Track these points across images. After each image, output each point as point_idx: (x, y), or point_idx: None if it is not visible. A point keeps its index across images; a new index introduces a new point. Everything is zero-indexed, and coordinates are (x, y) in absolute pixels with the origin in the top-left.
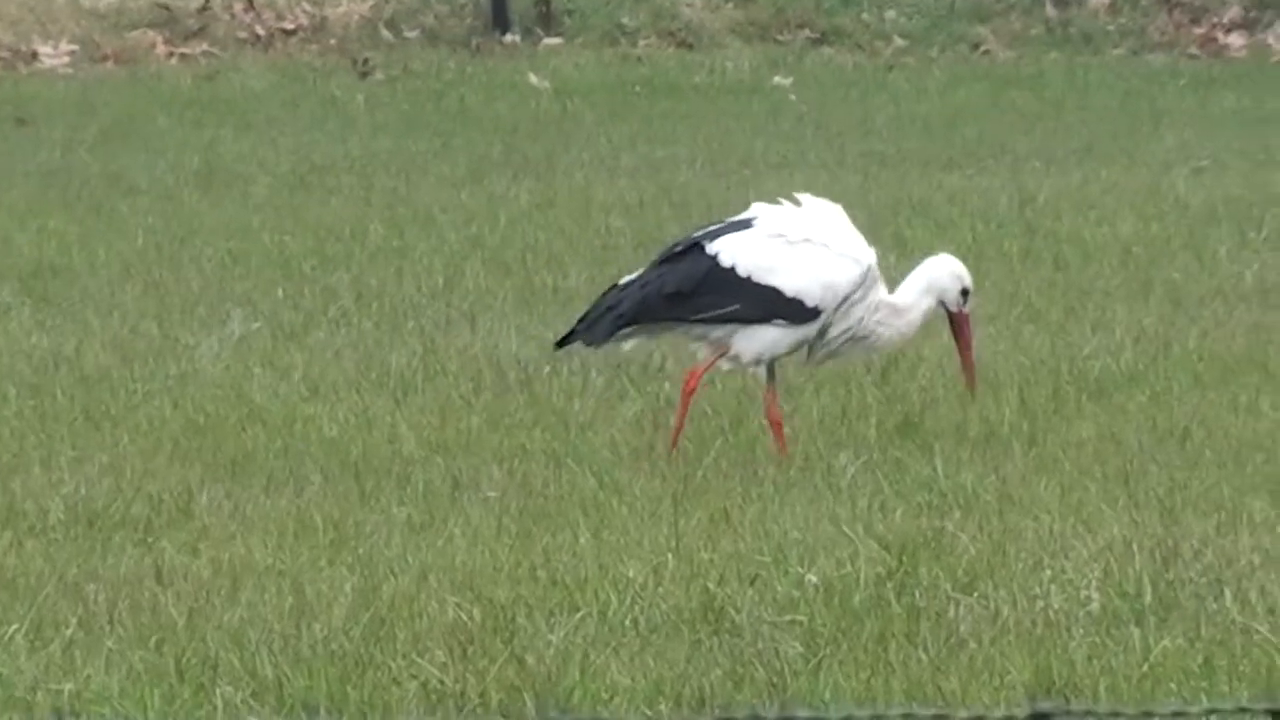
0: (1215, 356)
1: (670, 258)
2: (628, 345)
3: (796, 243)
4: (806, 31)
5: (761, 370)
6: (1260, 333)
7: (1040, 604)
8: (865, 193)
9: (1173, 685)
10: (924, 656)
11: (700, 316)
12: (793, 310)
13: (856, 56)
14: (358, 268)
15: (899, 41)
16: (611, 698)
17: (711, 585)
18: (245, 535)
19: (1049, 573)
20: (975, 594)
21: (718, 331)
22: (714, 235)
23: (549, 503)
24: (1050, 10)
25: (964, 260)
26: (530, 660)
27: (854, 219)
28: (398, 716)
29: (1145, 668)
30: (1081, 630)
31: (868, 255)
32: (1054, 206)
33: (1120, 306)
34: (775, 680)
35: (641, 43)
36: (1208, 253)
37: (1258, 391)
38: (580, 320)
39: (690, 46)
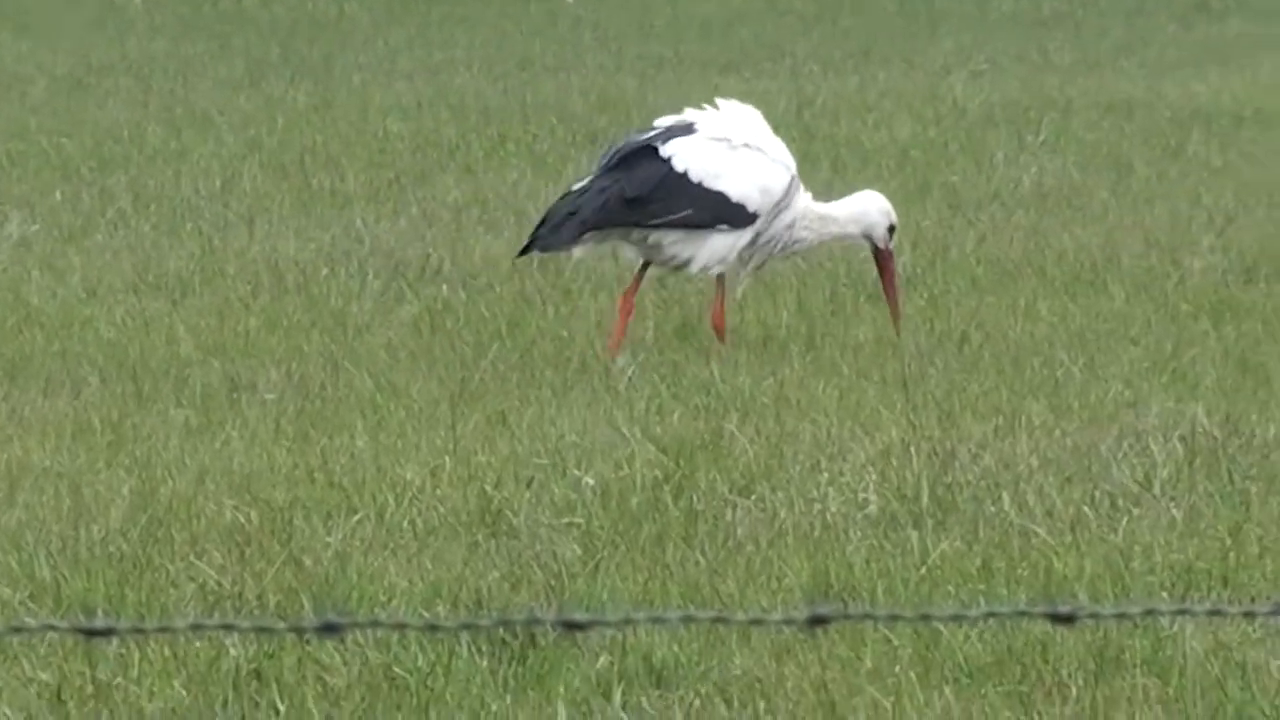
0: (993, 260)
1: (623, 162)
2: (577, 251)
3: (738, 148)
4: None
5: (714, 278)
6: (1037, 237)
7: (818, 507)
8: (643, 95)
9: (950, 588)
10: (701, 559)
11: (656, 221)
12: (735, 214)
13: None
14: (135, 170)
15: None
16: (389, 599)
17: (489, 488)
18: (23, 437)
19: (826, 475)
20: (753, 497)
21: (671, 238)
22: (664, 138)
23: (326, 405)
24: None
25: None
26: (308, 562)
27: (629, 122)
28: (175, 617)
29: (923, 571)
30: (859, 533)
31: (792, 161)
32: (832, 110)
33: (898, 210)
34: (553, 583)
35: None
36: (985, 157)
37: (1035, 295)
38: (537, 228)
39: None
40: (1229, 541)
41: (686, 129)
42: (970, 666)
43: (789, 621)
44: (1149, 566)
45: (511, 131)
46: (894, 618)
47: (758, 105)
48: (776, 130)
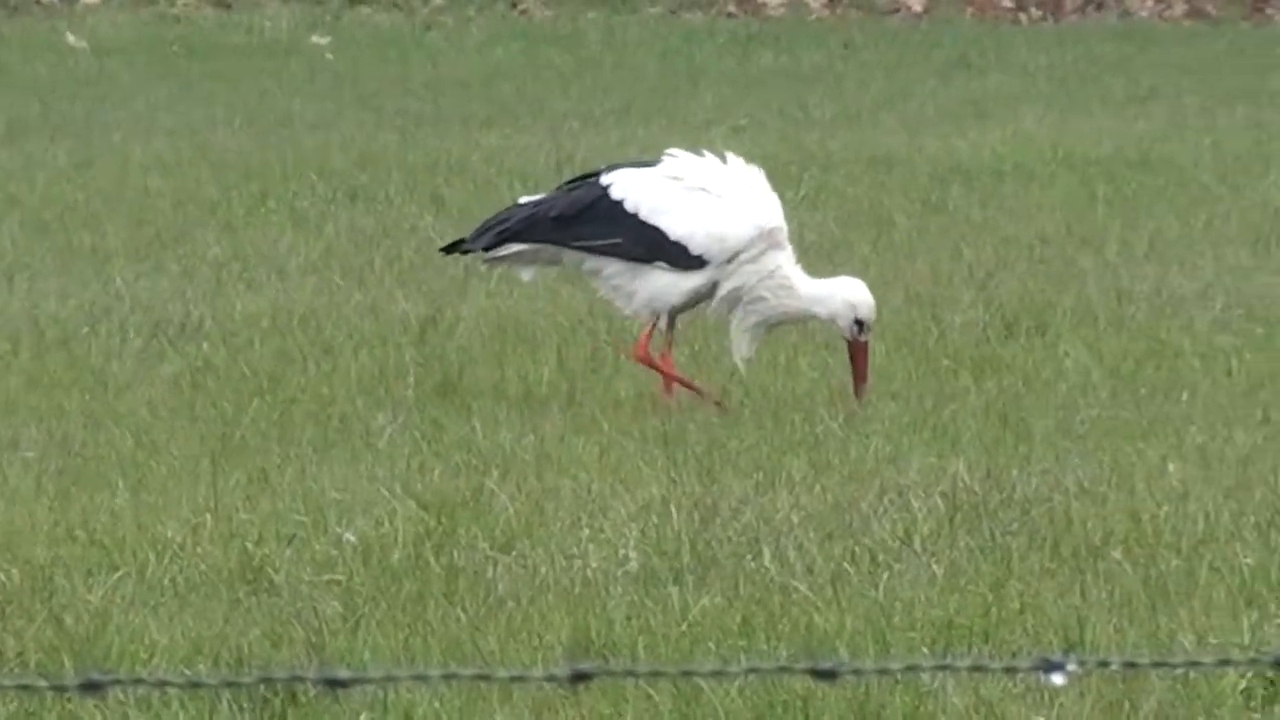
0: None
1: (570, 185)
2: (525, 274)
3: (692, 189)
4: None
5: (662, 321)
6: None
7: (578, 563)
8: (403, 152)
9: (711, 644)
10: (462, 615)
11: (581, 244)
12: (675, 254)
13: (394, 16)
14: None
15: (436, 0)
16: (151, 657)
17: (250, 545)
18: None
19: (587, 532)
20: (513, 553)
21: (609, 268)
22: (613, 168)
23: (87, 463)
24: None
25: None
26: (69, 620)
27: (389, 178)
28: None
29: (684, 627)
30: (620, 589)
31: (769, 219)
32: (591, 165)
33: None
34: (314, 639)
35: (179, 2)
36: None
37: (795, 351)
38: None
39: (228, 6)
40: (990, 597)
41: (647, 164)
42: None
43: (551, 678)
44: (910, 622)
45: (272, 188)
46: (656, 674)
47: (516, 161)
48: (535, 186)
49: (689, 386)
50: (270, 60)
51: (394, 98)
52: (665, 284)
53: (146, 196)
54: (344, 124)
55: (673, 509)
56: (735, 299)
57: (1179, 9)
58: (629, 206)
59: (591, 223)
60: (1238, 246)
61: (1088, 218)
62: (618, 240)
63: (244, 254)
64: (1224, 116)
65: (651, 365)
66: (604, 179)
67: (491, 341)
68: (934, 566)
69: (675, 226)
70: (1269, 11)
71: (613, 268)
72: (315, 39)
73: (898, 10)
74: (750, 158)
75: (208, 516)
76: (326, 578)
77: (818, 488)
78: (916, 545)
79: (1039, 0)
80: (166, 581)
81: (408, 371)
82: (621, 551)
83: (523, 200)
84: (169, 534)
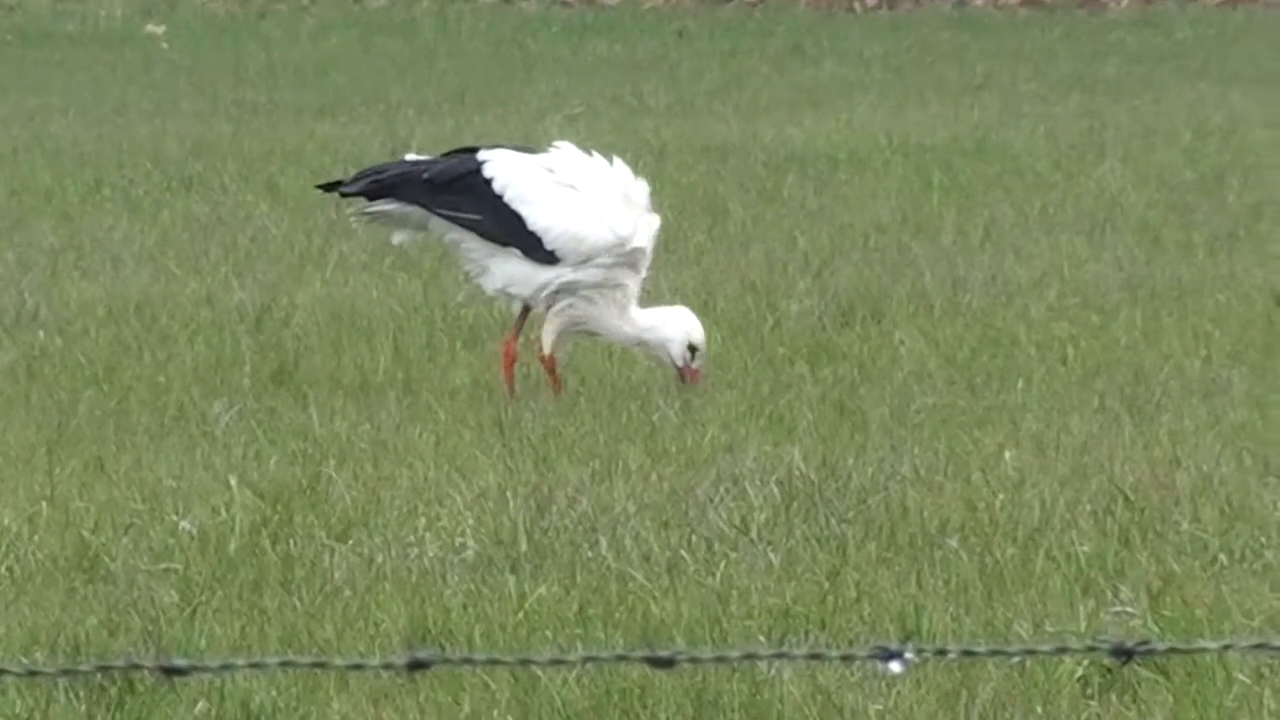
0: None
1: (454, 152)
2: (397, 236)
3: (561, 184)
4: None
5: (515, 308)
6: None
7: (415, 552)
8: (238, 141)
9: (548, 633)
10: (299, 604)
11: (444, 212)
12: (530, 244)
13: (229, 4)
14: None
15: None
16: None
17: (86, 533)
18: None
19: (424, 520)
20: (350, 542)
21: (469, 242)
22: (494, 146)
23: None
24: None
25: (335, 206)
26: None
27: (224, 166)
28: None
29: (521, 615)
30: (457, 578)
31: (628, 230)
32: (427, 153)
33: None
34: (150, 628)
35: None
36: None
37: None
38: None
39: None
40: (826, 585)
41: (528, 150)
42: (569, 711)
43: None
44: (746, 610)
45: (107, 176)
46: (493, 662)
47: (352, 149)
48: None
49: (508, 382)
50: (105, 49)
51: (229, 86)
52: (519, 273)
53: None
54: (179, 113)
55: (509, 497)
56: (570, 294)
57: None
58: (496, 187)
59: (459, 194)
60: (1072, 234)
61: (923, 206)
62: (479, 217)
63: (79, 242)
64: (1058, 104)
65: (508, 366)
66: (481, 155)
67: (328, 330)
68: (770, 555)
69: (535, 216)
70: None
71: (471, 243)
72: (150, 27)
73: None
74: (585, 146)
75: (44, 505)
76: (163, 566)
77: (654, 476)
78: (753, 534)
79: None
80: (3, 570)
81: (244, 360)
82: (458, 540)
83: (407, 157)
84: (5, 523)
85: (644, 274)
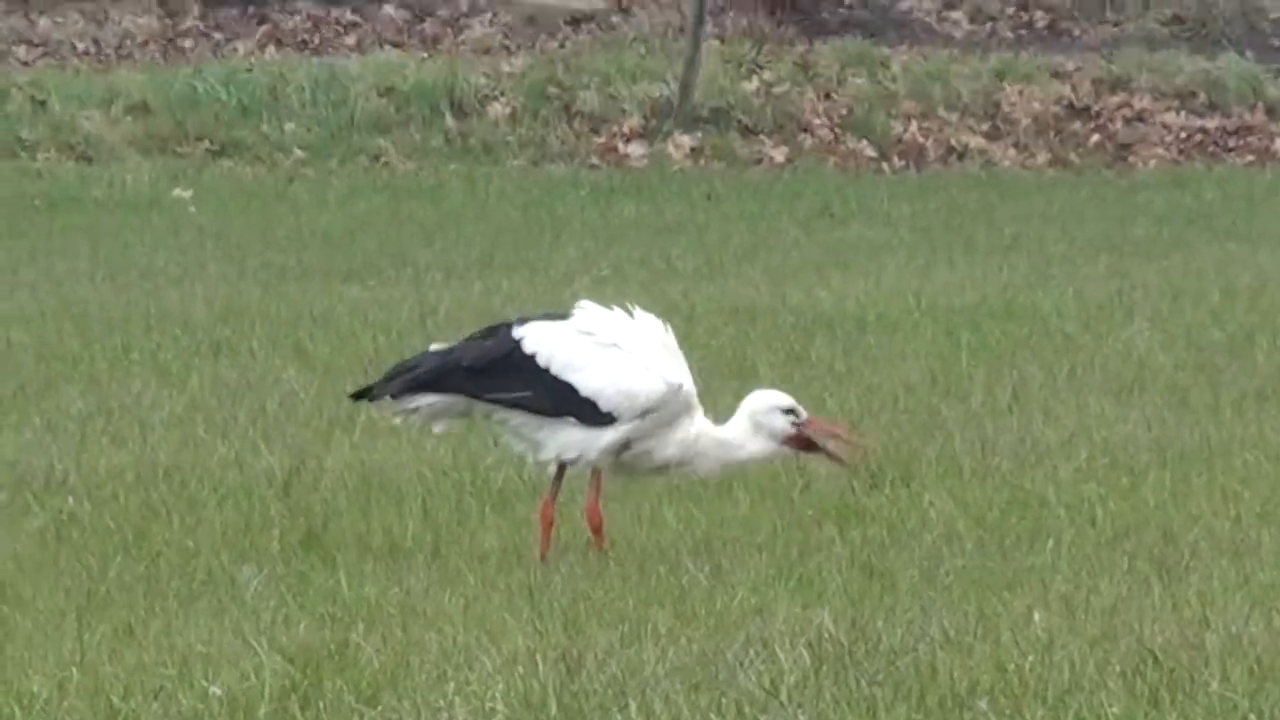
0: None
1: (482, 334)
2: (438, 426)
3: (605, 345)
4: (206, 144)
5: (551, 470)
6: None
7: (445, 716)
8: (266, 305)
9: None
10: None
11: (492, 396)
12: (585, 411)
13: (256, 169)
14: None
15: (298, 153)
16: None
17: (116, 699)
18: None
19: (453, 685)
20: (379, 706)
21: (517, 419)
22: (524, 320)
23: None
24: (449, 121)
25: (362, 371)
26: None
27: (253, 331)
28: None
29: None
30: None
31: (679, 377)
32: (455, 317)
33: None
34: None
35: (40, 156)
36: None
37: (660, 501)
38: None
39: (90, 160)
40: None
41: (560, 316)
42: None
43: None
44: None
45: (135, 341)
46: None
47: (380, 313)
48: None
49: (544, 544)
50: (132, 214)
51: (257, 251)
52: (575, 439)
53: (9, 350)
54: (207, 277)
55: (539, 661)
56: (655, 461)
57: (1042, 158)
58: (541, 361)
59: (503, 375)
60: (1101, 395)
61: (952, 367)
62: (528, 394)
63: (107, 407)
64: (1086, 265)
65: (596, 529)
66: (516, 332)
67: (356, 494)
68: (800, 717)
69: (585, 382)
70: (1131, 160)
71: (521, 419)
72: (177, 192)
73: (760, 161)
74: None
75: (73, 670)
76: None
77: (683, 639)
78: (783, 696)
79: (901, 150)
80: None
81: (273, 524)
82: (488, 704)
83: (433, 348)
84: (34, 689)
85: (699, 407)
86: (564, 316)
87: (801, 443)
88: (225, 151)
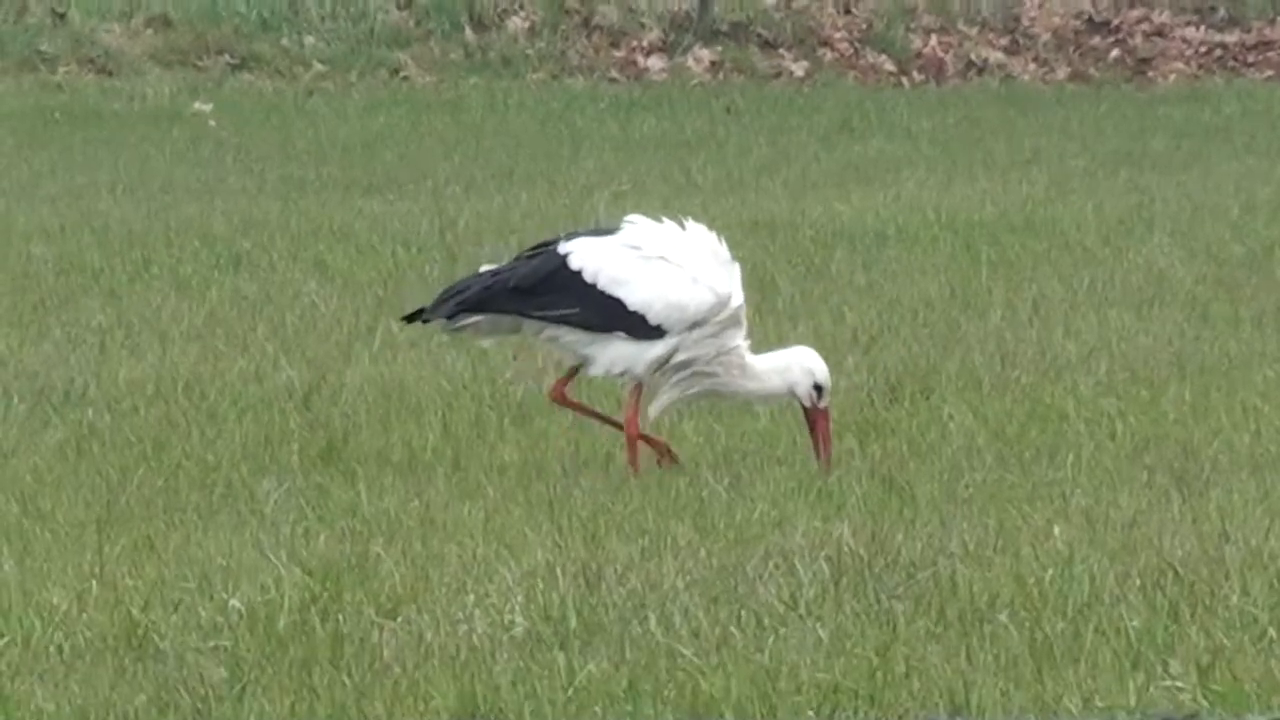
0: None
1: (530, 254)
2: (486, 342)
3: (650, 258)
4: (226, 57)
5: (628, 388)
6: None
7: (464, 629)
8: (286, 218)
9: (598, 709)
10: (348, 681)
11: (540, 314)
12: (634, 324)
13: (276, 82)
14: None
15: (318, 67)
16: None
17: (135, 611)
18: None
19: (473, 597)
20: (399, 619)
21: (569, 336)
22: (571, 236)
23: None
24: (469, 35)
25: (383, 283)
26: None
27: (272, 244)
28: None
29: (570, 692)
30: (506, 655)
31: (727, 288)
32: (475, 231)
33: None
34: (200, 706)
35: (61, 69)
36: None
37: (680, 416)
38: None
39: (110, 74)
40: (876, 661)
41: (606, 232)
42: None
43: None
44: (796, 686)
45: (155, 255)
46: None
47: (399, 227)
48: (419, 252)
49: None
50: (153, 127)
51: (276, 164)
52: (627, 352)
53: (29, 263)
54: (226, 190)
55: (558, 574)
56: (686, 370)
57: (1061, 72)
58: (587, 276)
59: (550, 292)
60: (1121, 309)
61: (971, 282)
62: (575, 310)
63: (127, 320)
64: (1106, 179)
65: (641, 438)
66: (562, 248)
67: (376, 408)
68: (820, 630)
69: (633, 296)
70: (1150, 74)
71: (571, 336)
72: (197, 106)
73: (780, 75)
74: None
75: (93, 583)
76: (212, 644)
77: (703, 552)
78: (802, 609)
79: (921, 64)
80: (52, 649)
81: (292, 438)
82: (507, 617)
83: (482, 269)
84: (54, 601)
85: (745, 325)
86: (612, 231)
87: (811, 417)
88: (245, 65)
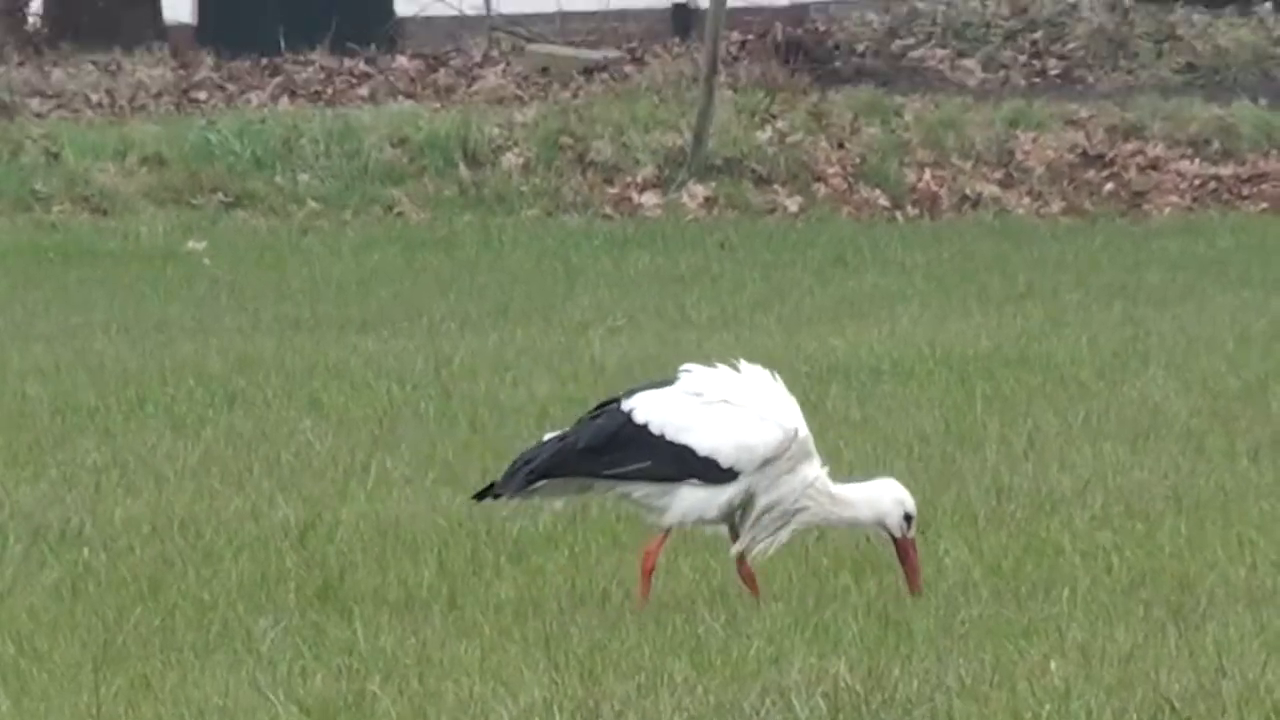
0: (633, 518)
1: (592, 416)
2: (558, 504)
3: (713, 403)
4: (220, 195)
5: (722, 530)
6: None
7: None
8: (281, 356)
9: None
10: None
11: (612, 472)
12: (706, 469)
13: (270, 220)
14: None
15: (312, 204)
16: None
17: None
18: None
19: None
20: None
21: (640, 490)
22: (631, 392)
23: None
24: (463, 171)
25: (378, 420)
26: None
27: (267, 382)
28: None
29: None
30: None
31: (794, 422)
32: (470, 368)
33: None
34: None
35: (55, 209)
36: None
37: (676, 552)
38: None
39: (104, 212)
40: None
41: (665, 383)
42: None
43: None
44: None
45: (150, 393)
46: None
47: (394, 364)
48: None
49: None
50: (147, 266)
51: (271, 302)
52: (699, 499)
53: (24, 402)
54: (221, 329)
55: (555, 712)
56: (775, 510)
57: (1056, 206)
58: (654, 429)
59: (619, 449)
60: (1116, 443)
61: (966, 416)
62: (647, 464)
63: (123, 459)
64: (1101, 313)
65: (647, 574)
66: (625, 404)
67: (372, 545)
68: None
69: (701, 442)
70: (1145, 207)
71: (645, 489)
72: (192, 244)
73: (774, 210)
74: (628, 358)
75: None
76: None
77: (700, 689)
78: None
79: (915, 199)
80: None
81: (289, 576)
82: None
83: (547, 436)
84: None
85: (817, 456)
86: (670, 382)
87: (901, 548)
88: (239, 203)
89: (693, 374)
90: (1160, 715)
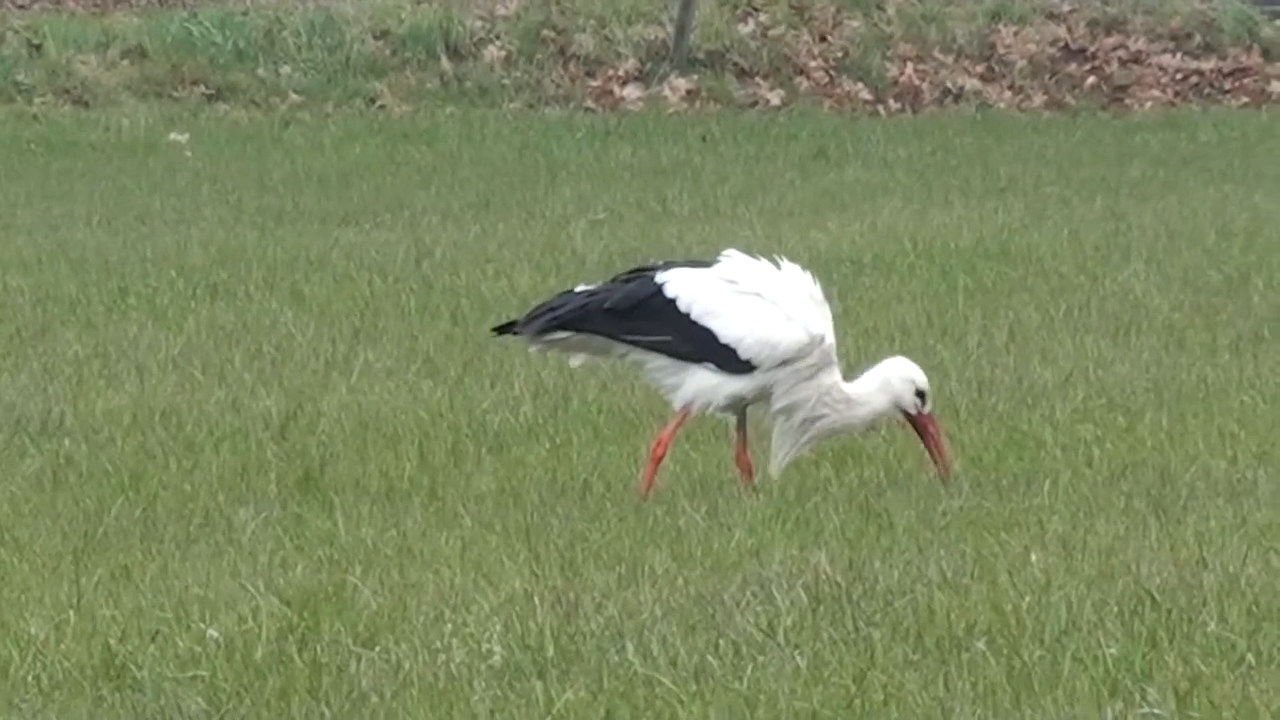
0: (614, 410)
1: (626, 279)
2: (574, 360)
3: (745, 293)
4: (202, 88)
5: (730, 419)
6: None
7: (442, 657)
8: (262, 248)
9: None
10: (326, 711)
11: (631, 338)
12: (724, 357)
13: (252, 112)
14: None
15: (294, 97)
16: None
17: (113, 641)
18: None
19: (450, 626)
20: (377, 648)
21: (655, 363)
22: (668, 265)
23: None
24: (445, 64)
25: (359, 312)
26: None
27: (249, 274)
28: None
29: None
30: (484, 683)
31: (820, 328)
32: (451, 261)
33: (519, 360)
34: None
35: (37, 100)
36: None
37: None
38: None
39: (86, 104)
40: (853, 688)
41: (703, 264)
42: None
43: None
44: (774, 714)
45: (132, 285)
46: None
47: (376, 256)
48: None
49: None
50: (129, 158)
51: (253, 194)
52: (710, 384)
53: (6, 294)
54: (203, 220)
55: (536, 602)
56: (794, 415)
57: (1038, 99)
58: (682, 306)
59: (643, 318)
60: (1098, 336)
61: (948, 309)
62: (667, 338)
63: (104, 351)
64: (1082, 207)
65: (656, 460)
66: (659, 276)
67: (353, 437)
68: (798, 658)
69: (725, 329)
70: (1127, 102)
71: (658, 362)
72: (173, 136)
73: (756, 104)
74: (609, 251)
75: (71, 613)
76: (190, 674)
77: (680, 581)
78: (780, 637)
79: (897, 92)
80: (30, 679)
81: (269, 467)
82: (485, 646)
83: (578, 289)
84: (32, 631)
85: (836, 362)
86: (708, 264)
87: (919, 425)
88: (221, 95)
89: (732, 260)
90: (1141, 607)
